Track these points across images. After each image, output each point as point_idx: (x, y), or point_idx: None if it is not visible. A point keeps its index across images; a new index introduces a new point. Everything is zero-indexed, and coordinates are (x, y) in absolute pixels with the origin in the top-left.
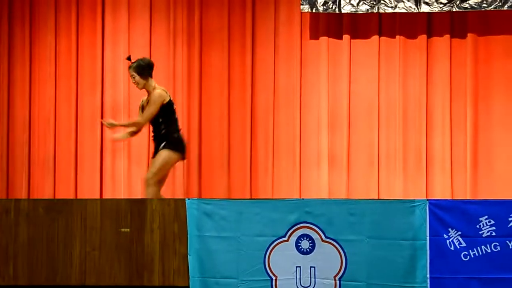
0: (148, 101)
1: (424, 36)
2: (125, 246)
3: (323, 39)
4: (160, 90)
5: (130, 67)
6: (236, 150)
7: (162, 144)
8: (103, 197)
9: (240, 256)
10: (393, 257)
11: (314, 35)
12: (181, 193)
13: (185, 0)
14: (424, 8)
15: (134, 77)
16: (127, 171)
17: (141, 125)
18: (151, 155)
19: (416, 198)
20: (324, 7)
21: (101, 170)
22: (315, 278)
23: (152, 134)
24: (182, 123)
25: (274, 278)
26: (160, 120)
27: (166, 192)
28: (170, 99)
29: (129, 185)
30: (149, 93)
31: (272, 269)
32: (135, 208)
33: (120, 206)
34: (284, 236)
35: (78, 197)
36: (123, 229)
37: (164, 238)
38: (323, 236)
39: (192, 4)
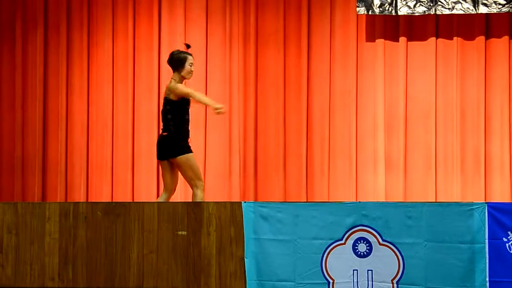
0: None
1: (482, 38)
2: (182, 249)
3: (380, 41)
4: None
5: (190, 53)
6: (292, 153)
7: (173, 151)
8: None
9: (297, 259)
10: (451, 260)
11: (370, 37)
12: (237, 196)
13: (241, 2)
14: (482, 9)
15: (192, 65)
16: None
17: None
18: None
19: (474, 201)
20: (381, 9)
21: (157, 173)
22: (372, 281)
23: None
24: (238, 126)
25: (331, 281)
26: (169, 117)
27: (223, 195)
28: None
29: (185, 188)
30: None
31: (329, 272)
32: (192, 211)
33: (177, 210)
34: (341, 239)
35: (135, 200)
36: (180, 232)
37: (221, 241)
38: (380, 239)
39: (248, 7)
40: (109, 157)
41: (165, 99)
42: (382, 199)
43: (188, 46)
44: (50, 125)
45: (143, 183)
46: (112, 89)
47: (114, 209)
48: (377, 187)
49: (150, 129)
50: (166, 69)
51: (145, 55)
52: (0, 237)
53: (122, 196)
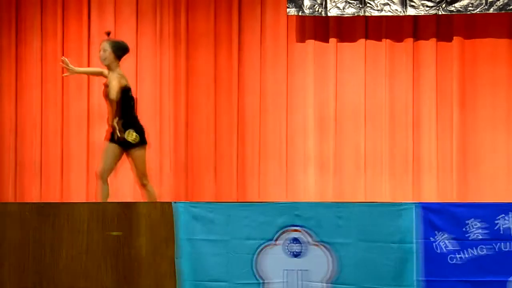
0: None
1: (410, 39)
2: (113, 249)
3: (310, 42)
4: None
5: (107, 41)
6: (223, 153)
7: (131, 137)
8: (90, 201)
9: (230, 259)
10: (382, 260)
11: (301, 38)
12: (168, 197)
13: (171, 3)
14: (410, 11)
15: (105, 51)
16: (113, 174)
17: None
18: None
19: (403, 201)
20: (311, 10)
21: (87, 173)
22: (304, 281)
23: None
24: (167, 127)
25: (263, 281)
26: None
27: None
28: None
29: (115, 188)
30: (109, 71)
31: (261, 273)
32: (122, 211)
33: (107, 210)
34: (273, 239)
35: (65, 201)
36: (114, 233)
37: (152, 241)
38: (312, 239)
39: (179, 7)
40: (38, 157)
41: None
42: (313, 199)
43: (108, 34)
44: None
45: (73, 184)
46: (40, 89)
47: (43, 210)
48: (308, 187)
49: (81, 129)
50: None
51: (75, 54)
52: None
53: (52, 197)
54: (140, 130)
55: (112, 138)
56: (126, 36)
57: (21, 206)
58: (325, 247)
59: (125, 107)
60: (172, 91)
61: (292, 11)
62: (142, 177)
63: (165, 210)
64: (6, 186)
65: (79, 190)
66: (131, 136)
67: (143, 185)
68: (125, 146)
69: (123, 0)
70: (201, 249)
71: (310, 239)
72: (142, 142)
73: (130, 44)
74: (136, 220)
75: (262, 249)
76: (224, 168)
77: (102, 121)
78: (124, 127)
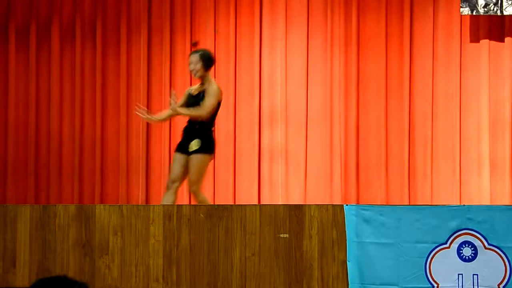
0: (202, 92)
1: None
2: (284, 251)
3: (484, 42)
4: (218, 86)
5: (196, 52)
6: (394, 156)
7: (193, 146)
8: (262, 203)
9: (400, 263)
10: None
11: (475, 38)
12: (339, 199)
13: (342, 5)
14: None
15: (196, 64)
16: (284, 176)
17: (204, 117)
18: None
19: None
20: (485, 9)
21: (259, 175)
22: (478, 286)
23: (186, 124)
24: (339, 129)
25: (435, 285)
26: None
27: (324, 197)
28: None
29: (286, 191)
30: (202, 83)
31: (433, 276)
32: (293, 214)
33: (279, 212)
34: (445, 243)
35: (237, 203)
36: (282, 235)
37: (323, 244)
38: (485, 243)
39: (349, 9)
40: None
41: (203, 95)
42: (486, 202)
43: (194, 44)
44: (131, 127)
45: (245, 185)
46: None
47: (216, 212)
48: (482, 191)
49: (252, 132)
50: (267, 71)
51: (246, 56)
52: (106, 239)
53: (224, 199)
54: (208, 140)
55: (179, 148)
56: (297, 40)
57: (196, 208)
58: (498, 251)
59: (212, 117)
60: (343, 95)
61: (466, 10)
62: (191, 184)
63: (337, 213)
64: (180, 190)
65: (250, 194)
66: (193, 145)
67: (192, 192)
68: (190, 153)
69: (294, 0)
70: (371, 252)
71: (483, 243)
72: (203, 150)
73: (301, 46)
74: (308, 222)
75: (434, 253)
76: (395, 171)
77: (273, 125)
78: (196, 135)
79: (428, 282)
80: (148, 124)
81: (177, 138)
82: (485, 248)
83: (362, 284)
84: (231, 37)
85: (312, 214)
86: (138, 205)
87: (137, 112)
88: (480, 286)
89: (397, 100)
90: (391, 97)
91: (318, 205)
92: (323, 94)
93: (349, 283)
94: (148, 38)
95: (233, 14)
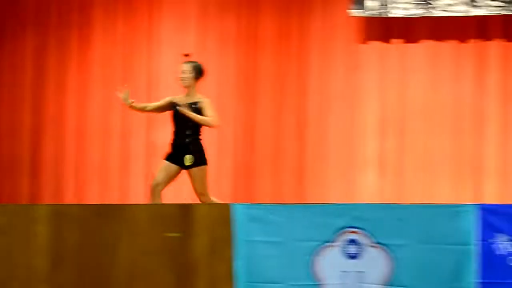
0: (194, 103)
1: (476, 40)
2: (172, 251)
3: (373, 43)
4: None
5: (189, 62)
6: (285, 155)
7: (189, 160)
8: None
9: (287, 261)
10: (441, 262)
11: (364, 39)
12: (229, 198)
13: (235, 6)
14: (476, 11)
15: (187, 73)
16: None
17: (213, 126)
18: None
19: (465, 203)
20: (374, 11)
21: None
22: (363, 283)
23: (173, 137)
24: (233, 127)
25: (320, 283)
26: (190, 124)
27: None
28: None
29: (176, 189)
30: (188, 94)
31: (319, 274)
32: (182, 213)
33: (167, 211)
34: (331, 241)
35: (125, 202)
36: (171, 234)
37: (211, 243)
38: (370, 241)
39: (243, 10)
40: (98, 159)
41: (194, 107)
42: (372, 201)
43: (187, 55)
44: (45, 126)
45: (132, 185)
46: (103, 92)
47: (104, 211)
48: (368, 189)
49: (140, 130)
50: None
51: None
52: None
53: (112, 198)
54: (201, 152)
55: (169, 158)
56: (190, 37)
57: (84, 207)
58: (382, 248)
59: (200, 129)
60: (236, 92)
61: (355, 12)
62: (200, 195)
63: (225, 212)
64: (67, 188)
65: (138, 193)
66: (187, 161)
67: (203, 202)
68: (184, 166)
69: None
70: (258, 251)
71: (367, 241)
72: (201, 162)
73: (193, 45)
74: (195, 221)
75: (319, 251)
76: (285, 169)
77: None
78: (189, 148)
79: (313, 280)
80: (37, 123)
81: (69, 138)
82: (370, 245)
83: (249, 282)
84: (118, 32)
85: (200, 213)
86: (22, 204)
87: (118, 93)
88: (364, 283)
89: (291, 100)
90: (285, 97)
91: (207, 204)
92: (217, 92)
93: (236, 281)
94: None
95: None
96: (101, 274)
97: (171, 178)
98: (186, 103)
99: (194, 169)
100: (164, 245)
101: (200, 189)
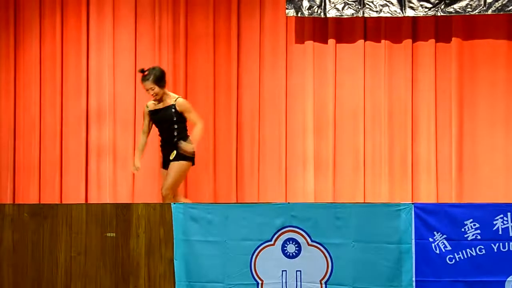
0: (170, 106)
1: (409, 41)
2: (111, 251)
3: (309, 43)
4: (182, 98)
5: (146, 79)
6: (221, 154)
7: (173, 155)
8: (88, 202)
9: (227, 261)
10: (379, 260)
11: (300, 40)
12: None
13: (170, 5)
14: (409, 13)
15: (153, 89)
16: (112, 174)
17: (203, 125)
18: (157, 164)
19: (401, 202)
20: (309, 11)
21: (86, 174)
22: (301, 282)
23: (161, 141)
24: None
25: (260, 282)
26: (175, 127)
27: (151, 196)
28: None
29: (114, 189)
30: (161, 100)
31: (258, 273)
32: (120, 212)
33: (106, 211)
34: (270, 240)
35: (63, 202)
36: (109, 234)
37: (150, 242)
38: (309, 240)
39: (177, 9)
40: (36, 158)
41: (174, 110)
42: (311, 200)
43: (142, 71)
44: None
45: (71, 184)
46: (39, 90)
47: (41, 211)
48: (307, 188)
49: (79, 130)
50: (94, 70)
51: (73, 56)
52: None
53: (50, 198)
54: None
55: (164, 165)
56: (125, 37)
57: (20, 207)
58: (321, 247)
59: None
60: (171, 92)
61: (291, 12)
62: (165, 188)
63: (164, 211)
64: (4, 187)
65: (77, 192)
66: (172, 155)
67: (164, 196)
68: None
69: (122, 1)
70: (198, 250)
71: (306, 240)
72: (183, 157)
73: (129, 45)
74: (135, 221)
75: (259, 250)
76: (222, 169)
77: (101, 123)
78: (176, 147)
79: (253, 279)
80: (14, 122)
81: (45, 137)
82: (308, 244)
83: (189, 282)
84: (57, 35)
85: (139, 212)
86: None
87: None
88: (303, 282)
89: (225, 99)
90: (219, 95)
91: (145, 204)
92: None
93: (176, 281)
94: None
95: (59, 12)
96: (38, 274)
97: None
98: (158, 109)
99: (174, 163)
100: (103, 245)
101: (169, 182)
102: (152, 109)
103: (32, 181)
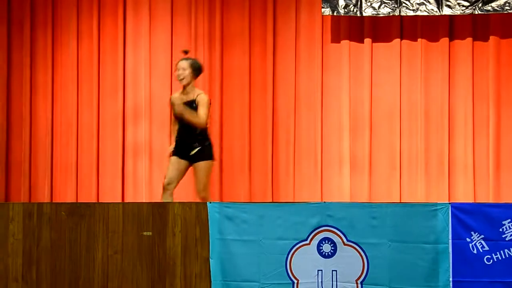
0: (193, 101)
1: (446, 39)
2: (147, 249)
3: (345, 42)
4: (206, 95)
5: (186, 59)
6: (257, 153)
7: (194, 151)
8: (125, 201)
9: (262, 260)
10: (415, 260)
11: (336, 39)
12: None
13: (206, 3)
14: (446, 11)
15: (185, 70)
16: (148, 174)
17: (202, 126)
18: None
19: (438, 202)
20: (345, 10)
21: (122, 173)
22: (336, 281)
23: (178, 135)
24: None
25: (295, 281)
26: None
27: (188, 196)
28: None
29: (150, 188)
30: (186, 92)
31: (293, 273)
32: (157, 212)
33: (142, 210)
34: (306, 240)
35: (100, 201)
36: (145, 233)
37: (186, 241)
38: (344, 240)
39: (213, 7)
40: (73, 157)
41: (195, 105)
42: (347, 199)
43: (185, 52)
44: (13, 126)
45: (108, 184)
46: (76, 90)
47: (78, 210)
48: (342, 188)
49: (115, 130)
50: (131, 69)
51: (110, 55)
52: None
53: (87, 197)
54: (209, 146)
55: (177, 153)
56: (161, 36)
57: (57, 206)
58: (357, 247)
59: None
60: (207, 91)
61: (327, 11)
62: (200, 190)
63: (200, 210)
64: (42, 187)
65: (114, 191)
66: (193, 151)
67: (201, 198)
68: (191, 160)
69: (158, 0)
70: (233, 249)
71: (342, 239)
72: (207, 157)
73: (165, 45)
74: (171, 220)
75: (295, 249)
76: (258, 168)
77: (137, 122)
78: (197, 141)
79: (288, 278)
80: (52, 122)
81: (37, 136)
82: (344, 244)
83: (224, 281)
84: (94, 35)
85: (175, 212)
86: None
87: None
88: (339, 281)
89: (260, 98)
90: (255, 94)
91: (181, 202)
92: None
93: (212, 280)
94: (8, 32)
95: (96, 11)
96: (75, 273)
97: (182, 174)
98: (182, 102)
99: (201, 163)
100: (140, 244)
101: (202, 184)
102: (178, 102)
103: (69, 181)
